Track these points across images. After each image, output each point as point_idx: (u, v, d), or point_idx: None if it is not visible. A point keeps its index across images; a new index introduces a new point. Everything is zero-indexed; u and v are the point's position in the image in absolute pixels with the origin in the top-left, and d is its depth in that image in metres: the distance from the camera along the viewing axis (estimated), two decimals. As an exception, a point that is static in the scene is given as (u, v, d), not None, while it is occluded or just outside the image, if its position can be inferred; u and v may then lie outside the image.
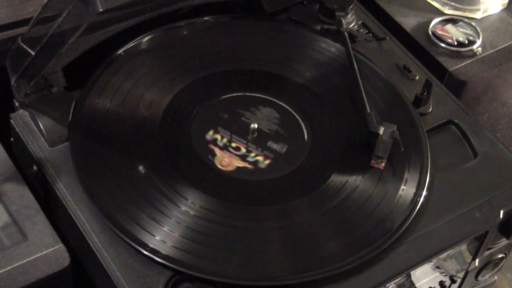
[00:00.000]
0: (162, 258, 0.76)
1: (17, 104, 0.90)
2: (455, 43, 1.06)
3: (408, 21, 1.09)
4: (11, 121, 0.89)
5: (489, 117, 1.13)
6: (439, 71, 1.03)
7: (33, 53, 0.82)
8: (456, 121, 0.95)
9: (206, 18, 1.01)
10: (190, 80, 0.94)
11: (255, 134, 0.89)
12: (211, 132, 0.89)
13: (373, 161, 0.86)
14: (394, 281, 0.82)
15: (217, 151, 0.87)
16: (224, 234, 0.79)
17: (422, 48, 1.06)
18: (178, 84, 0.93)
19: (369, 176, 0.86)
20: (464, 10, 1.10)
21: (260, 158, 0.87)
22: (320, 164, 0.87)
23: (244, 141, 0.88)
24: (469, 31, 1.08)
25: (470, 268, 0.95)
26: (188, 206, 0.81)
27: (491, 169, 0.90)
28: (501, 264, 0.99)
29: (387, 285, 0.81)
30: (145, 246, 0.77)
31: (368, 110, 0.90)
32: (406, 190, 0.85)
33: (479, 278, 0.99)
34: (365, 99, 0.91)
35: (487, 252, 0.94)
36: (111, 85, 0.91)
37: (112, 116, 0.88)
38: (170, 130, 0.89)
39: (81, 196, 0.81)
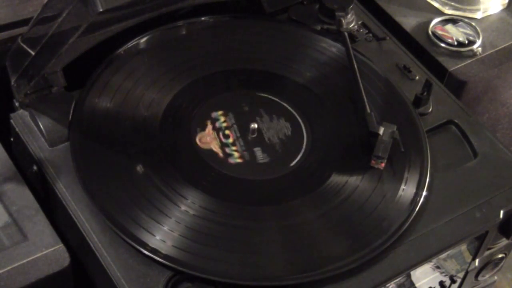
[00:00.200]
0: (162, 258, 0.76)
1: (17, 104, 0.89)
2: (455, 43, 1.06)
3: (408, 21, 1.09)
4: (11, 121, 0.89)
5: (489, 117, 1.13)
6: (439, 71, 1.03)
7: (33, 53, 0.82)
8: (456, 121, 0.95)
9: (206, 18, 1.01)
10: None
11: (254, 135, 0.89)
12: (220, 112, 0.89)
13: (373, 161, 0.86)
14: (394, 281, 0.82)
15: (208, 128, 0.87)
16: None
17: (422, 48, 1.06)
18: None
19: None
20: (464, 10, 1.10)
21: (236, 154, 0.87)
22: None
23: (238, 135, 0.88)
24: (469, 31, 1.08)
25: (470, 268, 0.95)
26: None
27: (491, 169, 0.90)
28: (501, 264, 0.99)
29: (387, 285, 0.81)
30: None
31: (368, 110, 0.90)
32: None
33: (479, 278, 0.98)
34: (365, 99, 0.91)
35: (487, 252, 0.94)
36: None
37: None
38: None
39: (81, 196, 0.81)
